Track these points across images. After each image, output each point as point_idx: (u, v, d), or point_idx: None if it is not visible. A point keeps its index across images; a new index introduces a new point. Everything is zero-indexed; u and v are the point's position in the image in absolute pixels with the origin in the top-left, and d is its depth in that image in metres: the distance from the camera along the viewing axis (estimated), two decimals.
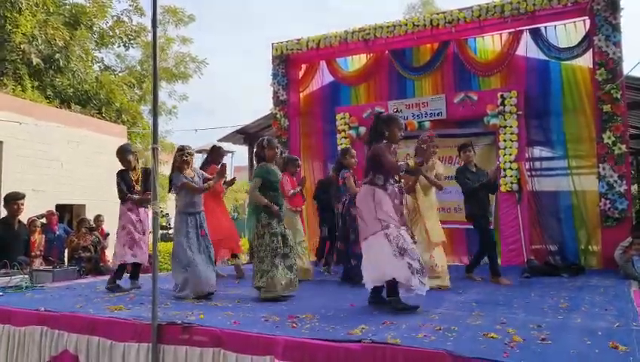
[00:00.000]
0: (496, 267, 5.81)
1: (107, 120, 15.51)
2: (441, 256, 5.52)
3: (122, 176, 5.61)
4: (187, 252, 4.98)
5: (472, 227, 6.16)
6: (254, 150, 5.14)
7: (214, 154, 6.67)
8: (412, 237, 4.31)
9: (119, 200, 5.64)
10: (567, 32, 7.54)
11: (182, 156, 5.24)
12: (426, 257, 5.25)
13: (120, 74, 19.94)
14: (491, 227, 7.61)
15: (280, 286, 4.65)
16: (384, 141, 4.25)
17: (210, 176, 5.49)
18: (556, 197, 7.65)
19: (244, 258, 11.22)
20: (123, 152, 5.69)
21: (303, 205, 6.77)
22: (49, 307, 4.24)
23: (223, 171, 5.36)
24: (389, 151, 4.24)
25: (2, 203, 6.57)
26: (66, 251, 8.80)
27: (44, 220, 8.53)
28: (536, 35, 7.67)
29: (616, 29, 6.83)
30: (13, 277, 5.63)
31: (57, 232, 8.73)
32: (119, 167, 5.81)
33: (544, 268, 6.42)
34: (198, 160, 6.83)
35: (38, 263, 7.44)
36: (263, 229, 4.79)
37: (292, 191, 6.24)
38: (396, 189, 4.22)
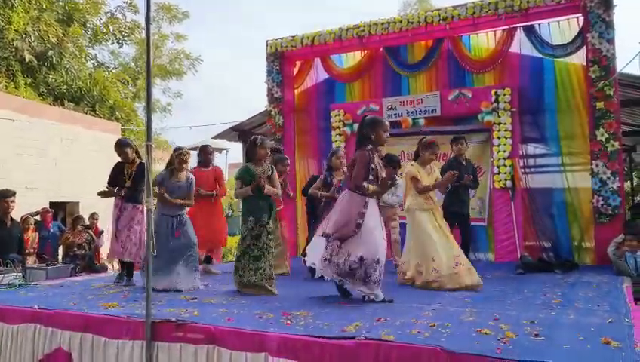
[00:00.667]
0: None
1: (101, 117, 15.44)
2: None
3: (114, 169, 5.67)
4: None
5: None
6: (247, 146, 5.18)
7: (203, 154, 6.71)
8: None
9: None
10: (561, 29, 7.56)
11: (179, 156, 5.38)
12: (452, 255, 5.10)
13: (114, 71, 19.88)
14: (483, 224, 7.72)
15: (238, 283, 4.90)
16: (369, 146, 4.35)
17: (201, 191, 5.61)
18: (550, 194, 7.68)
19: None
20: (121, 145, 5.71)
21: (279, 206, 6.68)
22: (43, 304, 4.22)
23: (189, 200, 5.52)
24: (372, 158, 4.36)
25: None
26: (60, 249, 8.78)
27: (38, 217, 8.50)
28: (529, 32, 7.69)
29: (609, 26, 6.84)
30: (6, 275, 5.61)
31: (51, 230, 8.70)
32: (113, 163, 5.82)
33: (537, 264, 6.45)
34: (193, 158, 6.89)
35: (31, 261, 7.42)
36: (247, 231, 4.91)
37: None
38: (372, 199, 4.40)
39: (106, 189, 5.59)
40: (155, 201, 5.39)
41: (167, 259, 5.08)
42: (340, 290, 4.51)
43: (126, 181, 5.61)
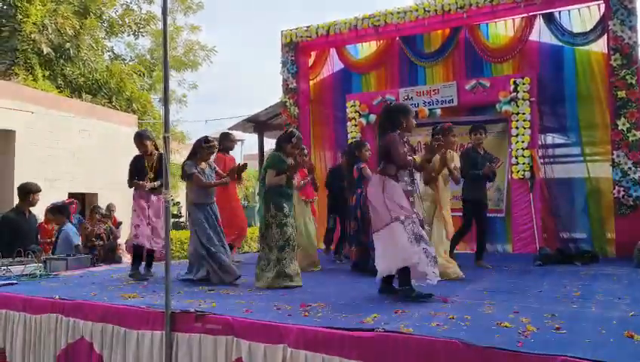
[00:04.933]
0: (481, 251, 6.10)
1: (118, 109, 15.56)
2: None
3: (134, 162, 5.66)
4: (206, 243, 5.11)
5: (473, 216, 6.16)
6: (280, 136, 5.22)
7: (225, 141, 6.71)
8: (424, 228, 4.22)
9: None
10: (582, 16, 7.41)
11: (209, 148, 5.37)
12: (442, 250, 5.22)
13: (130, 63, 19.97)
14: (502, 215, 7.65)
15: (281, 278, 4.76)
16: (398, 131, 4.19)
17: (221, 173, 5.62)
18: (569, 184, 7.58)
19: (255, 246, 11.24)
20: (140, 138, 5.72)
21: (314, 196, 6.71)
22: (63, 295, 4.28)
23: (232, 173, 5.57)
24: (402, 142, 4.18)
25: (17, 192, 6.61)
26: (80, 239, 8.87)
27: None
28: (549, 20, 7.55)
29: (631, 13, 6.70)
30: (27, 266, 5.70)
31: (74, 221, 8.81)
32: (130, 155, 5.85)
33: (557, 256, 6.35)
34: None
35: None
36: (271, 220, 4.86)
37: (302, 182, 6.18)
38: (408, 179, 4.17)
39: (140, 183, 5.58)
40: (189, 193, 5.44)
41: (223, 248, 5.20)
42: (390, 289, 4.19)
43: (149, 173, 5.64)
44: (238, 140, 17.61)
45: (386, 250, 4.05)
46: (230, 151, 6.89)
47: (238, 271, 5.15)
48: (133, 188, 5.66)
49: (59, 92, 14.65)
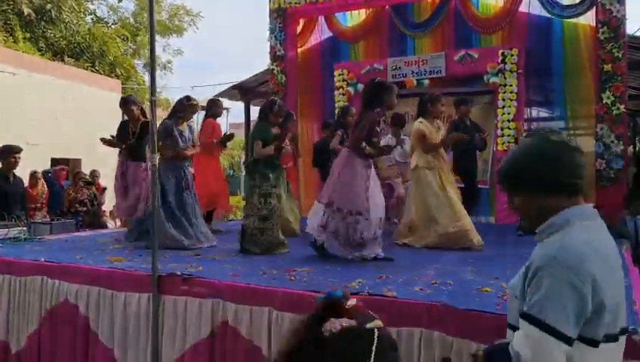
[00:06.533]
0: None
1: (101, 73, 15.27)
2: None
3: (119, 127, 5.63)
4: (171, 201, 5.06)
5: (463, 186, 6.23)
6: (263, 105, 5.19)
7: (214, 107, 6.64)
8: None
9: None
10: None
11: (191, 107, 5.28)
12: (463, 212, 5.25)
13: (112, 26, 19.51)
14: (486, 186, 7.73)
15: (266, 244, 4.81)
16: (378, 109, 4.37)
17: (197, 140, 5.59)
18: None
19: (240, 214, 11.24)
20: (126, 103, 5.68)
21: (289, 163, 6.71)
22: (49, 258, 4.28)
23: (210, 146, 5.59)
24: (378, 121, 4.40)
25: None
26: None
27: (50, 174, 8.57)
28: None
29: None
30: (11, 229, 5.66)
31: (65, 187, 8.78)
32: (114, 120, 5.81)
33: None
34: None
35: (41, 215, 7.43)
36: (256, 189, 4.90)
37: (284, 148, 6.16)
38: (370, 161, 4.46)
39: (110, 138, 5.56)
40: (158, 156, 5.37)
41: (183, 214, 5.11)
42: (319, 251, 4.50)
43: (130, 139, 5.60)
44: (226, 108, 17.46)
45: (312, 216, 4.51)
46: (217, 118, 6.83)
47: (189, 242, 5.04)
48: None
49: (40, 55, 14.31)
